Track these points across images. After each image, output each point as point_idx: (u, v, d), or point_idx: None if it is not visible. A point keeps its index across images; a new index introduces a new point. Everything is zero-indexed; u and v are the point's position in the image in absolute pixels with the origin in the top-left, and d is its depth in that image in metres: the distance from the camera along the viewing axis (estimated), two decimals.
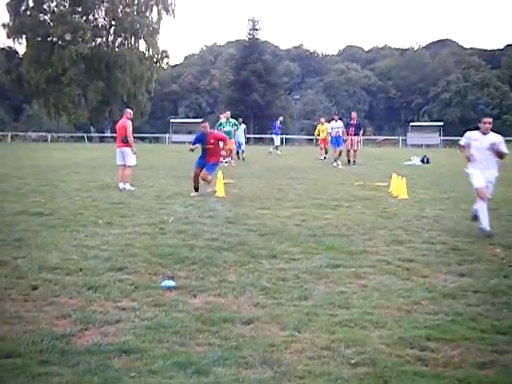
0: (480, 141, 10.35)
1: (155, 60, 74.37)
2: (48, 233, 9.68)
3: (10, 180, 18.05)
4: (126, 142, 16.33)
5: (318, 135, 31.28)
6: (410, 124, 67.45)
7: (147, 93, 72.86)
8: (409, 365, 4.71)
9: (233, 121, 26.21)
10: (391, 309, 6.05)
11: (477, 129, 10.66)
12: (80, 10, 68.69)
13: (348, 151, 26.36)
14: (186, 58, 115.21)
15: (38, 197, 14.03)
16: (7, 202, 13.22)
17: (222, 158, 23.18)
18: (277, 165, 26.21)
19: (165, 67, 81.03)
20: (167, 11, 71.36)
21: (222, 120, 26.09)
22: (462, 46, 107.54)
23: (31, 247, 8.53)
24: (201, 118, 66.18)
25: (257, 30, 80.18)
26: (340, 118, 28.12)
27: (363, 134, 29.95)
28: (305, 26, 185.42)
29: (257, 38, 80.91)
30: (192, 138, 17.41)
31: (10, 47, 70.04)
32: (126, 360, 4.73)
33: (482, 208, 9.98)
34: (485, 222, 9.88)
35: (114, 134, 67.04)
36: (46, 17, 68.94)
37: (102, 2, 69.52)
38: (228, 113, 26.52)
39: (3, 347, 4.90)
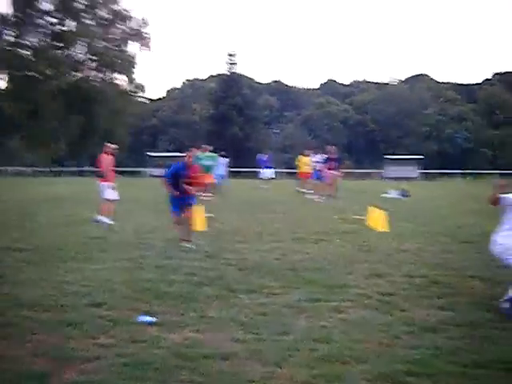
0: None
1: (134, 94, 74.66)
2: (28, 269, 9.59)
3: None
4: (100, 177, 16.62)
5: (300, 167, 30.53)
6: (389, 157, 67.98)
7: (126, 127, 72.95)
8: None
9: (211, 155, 26.28)
10: (371, 343, 6.04)
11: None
12: (61, 45, 68.95)
13: (328, 185, 26.45)
14: (168, 92, 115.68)
15: (17, 232, 13.91)
16: None
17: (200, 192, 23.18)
18: (257, 198, 26.24)
19: (144, 101, 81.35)
20: (146, 46, 71.96)
21: (201, 154, 26.12)
22: (437, 81, 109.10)
23: (11, 284, 8.44)
24: (180, 151, 65.99)
25: (236, 64, 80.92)
26: (320, 152, 28.29)
27: (342, 168, 30.01)
28: (283, 60, 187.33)
29: (236, 73, 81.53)
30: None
31: None
32: None
33: None
34: None
35: (94, 168, 66.30)
36: (27, 52, 69.08)
37: (82, 37, 69.85)
38: (207, 147, 26.58)
39: None
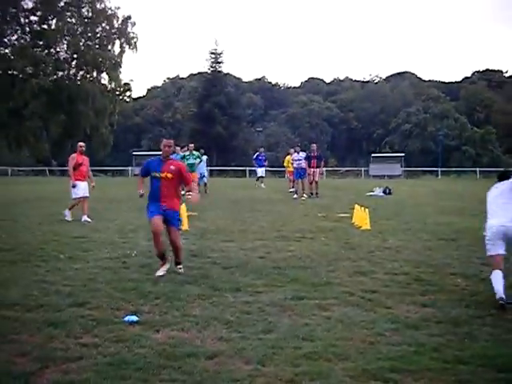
0: None
1: (117, 93, 74.43)
2: (8, 268, 9.52)
3: None
4: (70, 175, 17.05)
5: (288, 166, 30.67)
6: (372, 155, 68.29)
7: (110, 125, 72.68)
8: None
9: (196, 153, 26.26)
10: (355, 340, 6.06)
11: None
12: (41, 43, 68.52)
13: (310, 183, 26.47)
14: (148, 90, 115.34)
15: None
16: None
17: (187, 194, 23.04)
18: (241, 197, 26.24)
19: (127, 100, 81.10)
20: (129, 45, 71.65)
21: (186, 153, 26.11)
22: (420, 78, 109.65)
23: None
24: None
25: (219, 62, 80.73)
26: (303, 150, 28.30)
27: (325, 166, 30.05)
28: (267, 58, 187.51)
29: (219, 71, 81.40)
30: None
31: None
32: None
33: None
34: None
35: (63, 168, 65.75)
36: (6, 50, 68.59)
37: (64, 35, 69.46)
38: (191, 145, 26.54)
39: None
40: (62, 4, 68.96)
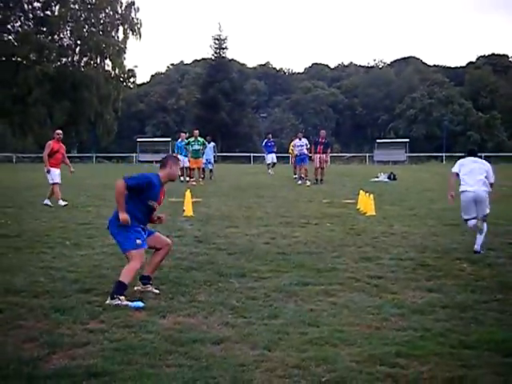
0: None
1: (122, 79, 74.21)
2: (14, 255, 9.55)
3: None
4: (46, 162, 17.22)
5: (292, 153, 30.15)
6: (377, 141, 68.10)
7: (114, 112, 72.50)
8: (379, 382, 4.73)
9: (201, 139, 26.22)
10: (361, 326, 6.07)
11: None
12: (45, 29, 68.27)
13: (316, 169, 26.40)
14: (152, 76, 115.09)
15: (2, 218, 13.84)
16: None
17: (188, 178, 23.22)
18: (245, 183, 26.23)
19: (131, 86, 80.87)
20: (133, 31, 71.29)
21: (191, 139, 26.09)
22: (425, 64, 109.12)
23: None
24: (168, 136, 65.53)
25: (223, 48, 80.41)
26: (305, 136, 28.24)
27: (331, 152, 29.90)
28: (271, 43, 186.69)
29: (223, 57, 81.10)
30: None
31: None
32: (95, 383, 4.67)
33: None
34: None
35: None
36: (10, 37, 68.35)
37: (67, 22, 69.20)
38: (196, 131, 26.51)
39: None
40: None
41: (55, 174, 17.11)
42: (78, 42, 70.10)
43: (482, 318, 6.38)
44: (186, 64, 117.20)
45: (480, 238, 10.05)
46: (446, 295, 7.26)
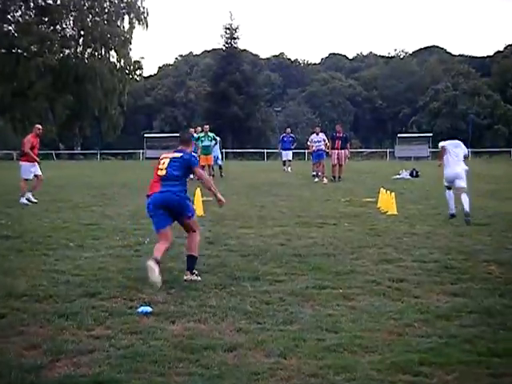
0: None
1: (127, 71, 74.41)
2: (15, 257, 9.60)
3: None
4: (21, 156, 18.08)
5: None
6: (398, 136, 67.91)
7: (119, 106, 72.75)
8: None
9: (211, 135, 26.23)
10: (382, 332, 6.06)
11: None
12: (46, 19, 68.48)
13: (333, 166, 26.34)
14: (160, 68, 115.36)
15: (4, 219, 13.92)
16: None
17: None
18: (259, 181, 26.24)
19: (138, 79, 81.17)
20: (139, 20, 71.43)
21: (201, 134, 26.10)
22: (450, 53, 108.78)
23: None
24: (176, 132, 65.74)
25: (234, 38, 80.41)
26: (323, 131, 28.15)
27: (350, 148, 29.74)
28: (285, 33, 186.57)
29: (235, 47, 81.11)
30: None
31: None
32: None
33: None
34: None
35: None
36: (10, 27, 68.63)
37: (70, 11, 69.39)
38: (207, 126, 26.54)
39: None
40: None
41: (28, 170, 17.59)
42: (82, 32, 70.25)
43: None
44: (196, 55, 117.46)
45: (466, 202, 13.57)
46: (472, 299, 7.22)
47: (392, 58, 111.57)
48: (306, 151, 32.04)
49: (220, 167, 28.52)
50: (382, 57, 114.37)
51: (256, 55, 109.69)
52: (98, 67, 68.41)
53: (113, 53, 72.09)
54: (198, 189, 15.74)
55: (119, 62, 72.76)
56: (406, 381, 4.88)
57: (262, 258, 9.60)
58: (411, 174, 28.76)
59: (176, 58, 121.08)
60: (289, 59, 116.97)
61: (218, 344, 5.68)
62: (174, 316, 6.56)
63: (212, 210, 15.26)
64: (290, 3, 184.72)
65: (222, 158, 30.82)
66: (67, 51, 70.99)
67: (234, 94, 76.62)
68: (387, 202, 15.53)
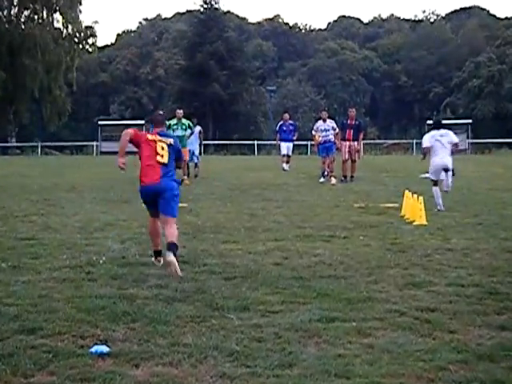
0: None
1: (77, 40, 74.21)
2: None
3: None
4: None
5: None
6: (428, 122, 68.00)
7: (66, 86, 72.56)
8: None
9: (186, 122, 26.15)
10: (408, 377, 6.07)
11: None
12: None
13: (344, 162, 26.33)
14: (119, 36, 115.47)
15: None
16: None
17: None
18: (248, 181, 26.25)
19: (90, 50, 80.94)
20: None
21: (172, 121, 26.01)
22: (494, 16, 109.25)
23: None
24: (141, 118, 65.75)
25: None
26: (331, 117, 28.10)
27: (364, 138, 29.79)
28: None
29: (216, 8, 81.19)
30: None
31: None
32: None
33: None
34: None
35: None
36: None
37: None
38: (180, 111, 26.46)
39: None
40: None
41: None
42: None
43: None
44: (165, 19, 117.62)
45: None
46: None
47: (419, 21, 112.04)
48: (309, 143, 31.82)
49: (196, 165, 28.08)
50: (407, 20, 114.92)
51: (243, 19, 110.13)
52: (38, 35, 68.21)
53: (57, 16, 71.98)
54: None
55: (66, 27, 72.62)
56: None
57: (252, 281, 9.60)
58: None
59: (140, 23, 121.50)
60: (286, 24, 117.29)
61: None
62: (137, 358, 6.55)
63: (187, 221, 15.27)
64: None
65: (200, 153, 30.39)
66: None
67: (215, 69, 76.67)
68: (414, 208, 15.55)
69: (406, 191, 16.93)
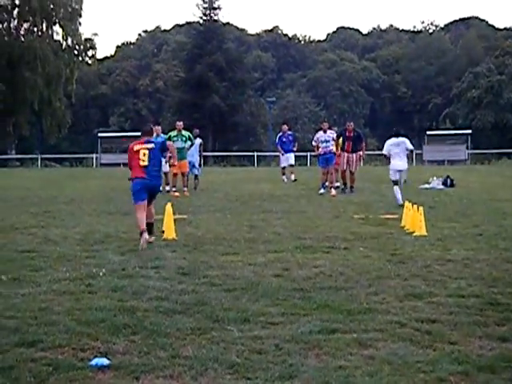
0: None
1: (76, 52, 74.30)
2: None
3: None
4: None
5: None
6: (427, 133, 68.11)
7: (66, 98, 72.58)
8: None
9: (186, 134, 26.15)
10: None
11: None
12: None
13: (343, 172, 26.34)
14: (118, 48, 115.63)
15: None
16: None
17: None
18: (247, 193, 26.23)
19: (90, 62, 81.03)
20: None
21: (172, 133, 26.02)
22: (493, 26, 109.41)
23: None
24: (139, 130, 65.81)
25: (215, 8, 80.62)
26: (331, 128, 28.07)
27: (365, 149, 29.64)
28: (280, 2, 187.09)
29: (215, 20, 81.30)
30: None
31: None
32: None
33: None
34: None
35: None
36: None
37: None
38: (180, 123, 26.45)
39: None
40: None
41: None
42: (17, 1, 70.20)
43: None
44: (165, 30, 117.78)
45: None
46: None
47: (418, 32, 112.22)
48: (309, 154, 31.78)
49: (196, 177, 28.00)
50: (406, 31, 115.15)
51: (243, 30, 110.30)
52: (38, 47, 68.28)
53: (57, 28, 72.05)
54: (169, 204, 15.75)
55: (65, 40, 72.71)
56: None
57: (253, 293, 9.59)
58: (444, 183, 28.83)
59: (139, 35, 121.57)
60: (285, 35, 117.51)
61: None
62: (138, 370, 6.54)
63: (188, 232, 15.27)
64: None
65: (200, 165, 30.34)
66: None
67: (215, 81, 76.74)
68: (414, 219, 15.55)
69: (406, 202, 16.94)
